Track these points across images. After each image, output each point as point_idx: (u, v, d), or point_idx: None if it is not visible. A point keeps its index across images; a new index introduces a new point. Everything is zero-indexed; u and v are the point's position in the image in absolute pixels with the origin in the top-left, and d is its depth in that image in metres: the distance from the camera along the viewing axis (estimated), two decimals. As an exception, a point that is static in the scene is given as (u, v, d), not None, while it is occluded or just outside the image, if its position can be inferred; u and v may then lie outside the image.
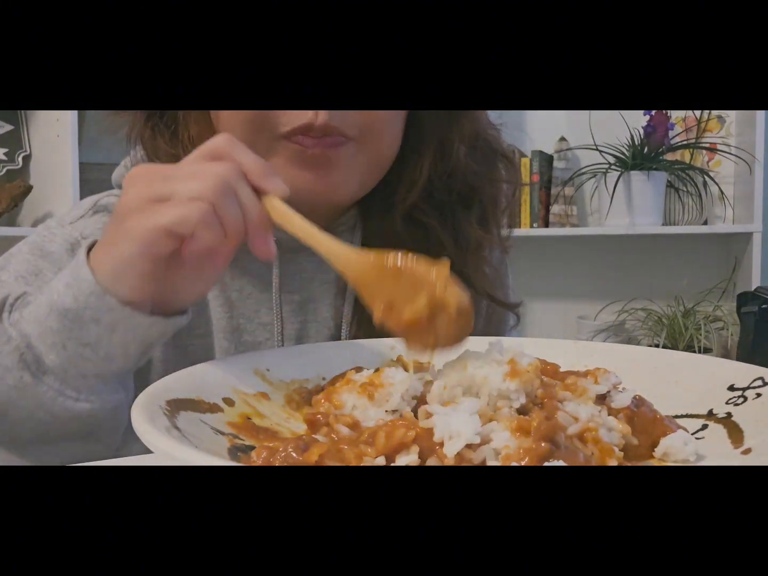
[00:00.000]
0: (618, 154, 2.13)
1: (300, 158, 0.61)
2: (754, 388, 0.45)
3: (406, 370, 0.51)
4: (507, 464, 0.36)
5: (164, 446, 0.34)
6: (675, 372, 0.50)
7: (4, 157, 1.94)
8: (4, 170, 1.93)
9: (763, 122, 2.06)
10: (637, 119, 2.14)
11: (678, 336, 2.10)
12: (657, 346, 2.06)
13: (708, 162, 2.28)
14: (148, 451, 0.35)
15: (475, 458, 0.37)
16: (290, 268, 0.71)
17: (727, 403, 0.45)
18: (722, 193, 2.19)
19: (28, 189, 1.88)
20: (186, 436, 0.38)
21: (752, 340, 1.85)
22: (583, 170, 2.21)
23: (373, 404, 0.44)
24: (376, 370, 0.48)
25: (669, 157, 2.19)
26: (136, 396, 0.42)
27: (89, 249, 0.52)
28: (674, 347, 2.06)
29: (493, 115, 0.77)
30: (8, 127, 1.95)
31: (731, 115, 2.26)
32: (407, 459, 0.38)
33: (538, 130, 2.31)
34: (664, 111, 2.11)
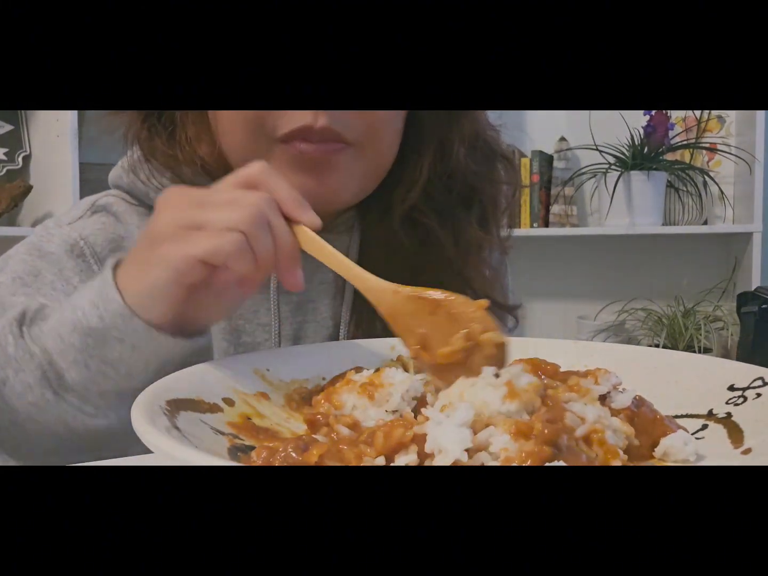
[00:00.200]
0: (618, 154, 2.13)
1: (299, 162, 0.61)
2: (754, 388, 0.45)
3: (406, 370, 0.51)
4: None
5: (164, 446, 0.34)
6: (675, 372, 0.50)
7: (4, 157, 1.94)
8: (4, 170, 1.93)
9: (763, 122, 2.06)
10: (637, 119, 2.14)
11: (678, 336, 2.10)
12: (657, 346, 2.06)
13: (708, 162, 2.28)
14: (148, 451, 0.35)
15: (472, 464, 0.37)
16: None
17: (727, 403, 0.45)
18: (722, 193, 2.19)
19: (28, 189, 1.88)
20: (186, 436, 0.38)
21: (752, 340, 1.85)
22: (583, 170, 2.21)
23: (373, 404, 0.44)
24: (377, 370, 0.48)
25: (669, 157, 2.19)
26: None
27: (115, 266, 0.52)
28: (674, 347, 2.06)
29: (493, 116, 0.77)
30: (8, 127, 1.95)
31: (731, 115, 2.26)
32: (406, 459, 0.38)
33: (538, 130, 2.31)
34: (664, 111, 2.11)
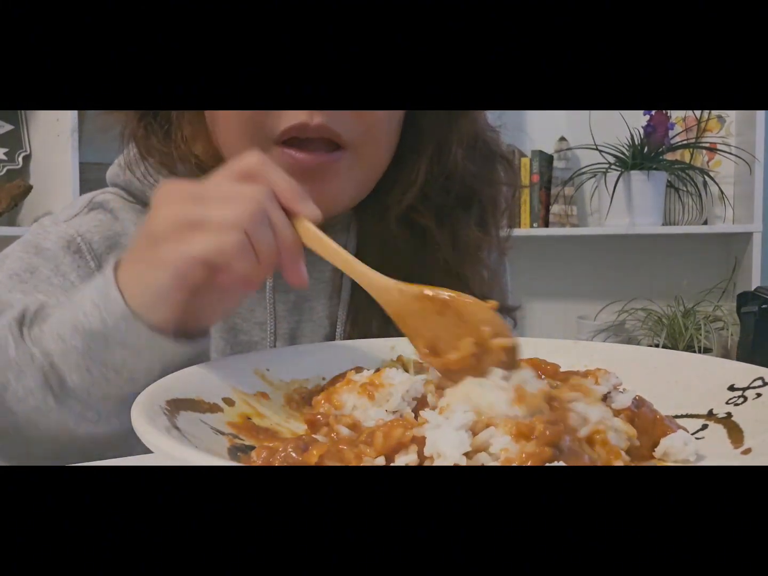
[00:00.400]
0: (618, 154, 2.14)
1: (294, 170, 0.60)
2: (754, 388, 0.45)
3: (406, 370, 0.51)
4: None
5: (164, 446, 0.34)
6: (675, 372, 0.50)
7: (4, 157, 1.94)
8: (4, 170, 1.93)
9: (763, 122, 2.06)
10: (637, 119, 2.14)
11: (678, 336, 2.10)
12: (657, 346, 2.06)
13: (708, 162, 2.28)
14: (148, 452, 0.35)
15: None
16: None
17: (727, 403, 0.45)
18: (722, 193, 2.19)
19: (28, 189, 1.89)
20: (186, 436, 0.38)
21: (752, 340, 1.85)
22: (583, 170, 2.22)
23: (374, 404, 0.44)
24: (377, 370, 0.48)
25: (669, 157, 2.19)
26: None
27: (116, 266, 0.51)
28: (674, 347, 2.06)
29: (493, 116, 0.77)
30: (8, 127, 1.95)
31: (731, 115, 2.26)
32: (406, 459, 0.38)
33: (538, 130, 2.31)
34: (664, 111, 2.11)
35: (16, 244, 0.67)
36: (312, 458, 0.38)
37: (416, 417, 0.42)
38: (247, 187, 0.47)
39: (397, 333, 0.52)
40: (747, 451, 0.40)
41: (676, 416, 0.46)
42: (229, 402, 0.46)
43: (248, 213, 0.46)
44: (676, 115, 2.27)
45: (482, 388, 0.42)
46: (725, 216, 2.26)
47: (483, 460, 0.37)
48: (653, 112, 2.11)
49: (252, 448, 0.41)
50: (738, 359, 1.40)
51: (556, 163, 2.34)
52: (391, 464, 0.38)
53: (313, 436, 0.43)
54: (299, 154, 0.60)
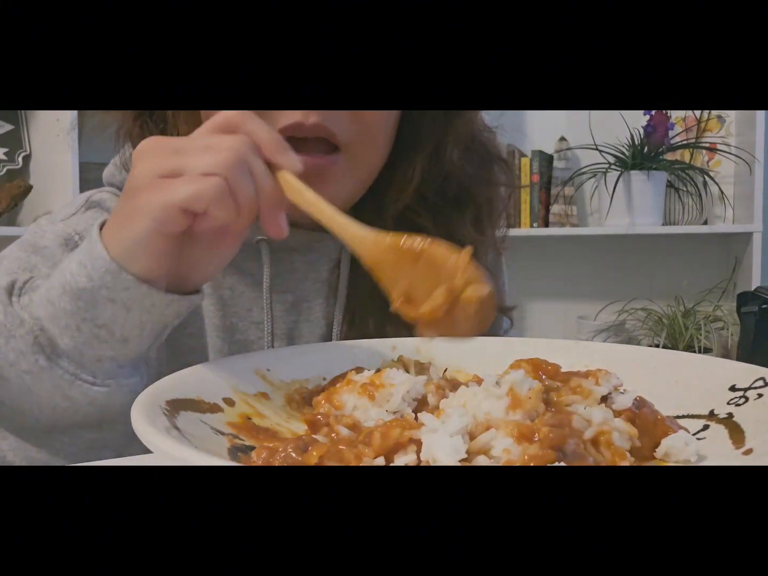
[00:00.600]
0: (618, 154, 2.14)
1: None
2: (755, 388, 0.45)
3: (407, 370, 0.51)
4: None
5: (164, 446, 0.34)
6: (675, 372, 0.50)
7: (4, 157, 1.94)
8: (4, 170, 1.93)
9: (763, 122, 2.06)
10: (637, 119, 2.14)
11: (678, 336, 2.10)
12: (657, 346, 2.06)
13: (708, 162, 2.28)
14: (148, 451, 0.35)
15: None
16: (282, 268, 0.71)
17: (728, 403, 0.45)
18: (722, 193, 2.19)
19: (28, 189, 1.89)
20: (186, 436, 0.38)
21: (752, 340, 1.85)
22: (583, 170, 2.22)
23: (374, 405, 0.44)
24: (377, 370, 0.48)
25: (669, 157, 2.19)
26: (147, 385, 0.41)
27: (101, 226, 0.51)
28: (674, 347, 2.06)
29: (493, 116, 0.77)
30: (8, 127, 1.95)
31: (731, 115, 2.26)
32: (405, 459, 0.38)
33: (538, 130, 2.31)
34: (664, 111, 2.11)
35: (14, 244, 0.67)
36: (312, 459, 0.38)
37: (416, 418, 0.42)
38: (227, 138, 0.47)
39: (395, 332, 0.52)
40: (748, 452, 0.40)
41: (677, 416, 0.46)
42: (230, 402, 0.46)
43: (228, 160, 0.45)
44: (676, 115, 2.27)
45: (476, 397, 0.41)
46: (725, 216, 2.26)
47: (484, 463, 0.36)
48: (653, 112, 2.11)
49: (252, 448, 0.41)
50: (738, 359, 1.40)
51: (556, 163, 2.34)
52: (391, 464, 0.38)
53: (314, 436, 0.43)
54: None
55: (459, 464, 0.36)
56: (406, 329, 0.55)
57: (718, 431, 0.44)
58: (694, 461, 0.41)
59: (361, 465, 0.38)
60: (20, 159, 1.95)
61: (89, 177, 1.78)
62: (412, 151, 0.69)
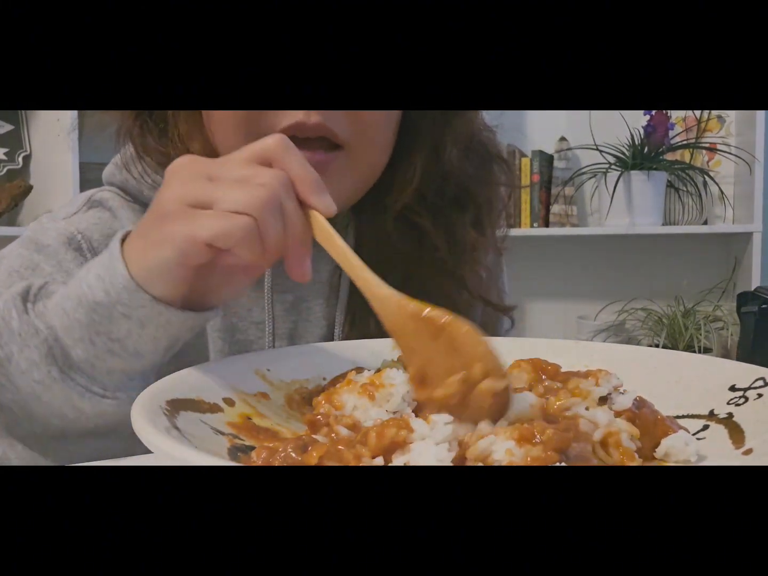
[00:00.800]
0: (618, 154, 2.14)
1: None
2: (755, 388, 0.45)
3: (407, 370, 0.51)
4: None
5: (164, 446, 0.34)
6: (675, 372, 0.50)
7: (4, 157, 1.94)
8: (4, 170, 1.93)
9: (763, 122, 2.06)
10: (637, 119, 2.14)
11: (678, 336, 2.10)
12: (657, 346, 2.06)
13: (708, 162, 2.28)
14: (148, 451, 0.35)
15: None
16: (283, 268, 0.71)
17: (728, 403, 0.45)
18: (722, 193, 2.19)
19: (28, 189, 1.89)
20: (186, 436, 0.38)
21: (752, 340, 1.85)
22: (583, 170, 2.22)
23: (374, 405, 0.44)
24: (377, 370, 0.48)
25: (669, 157, 2.19)
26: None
27: (122, 240, 0.50)
28: (674, 347, 2.06)
29: (493, 115, 0.77)
30: (8, 127, 1.95)
31: (731, 115, 2.26)
32: (404, 458, 0.38)
33: (538, 130, 2.31)
34: (664, 111, 2.11)
35: (15, 243, 0.67)
36: (311, 459, 0.38)
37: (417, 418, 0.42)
38: (263, 171, 0.46)
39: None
40: (748, 452, 0.40)
41: (677, 416, 0.46)
42: (230, 402, 0.46)
43: (261, 199, 0.44)
44: (676, 115, 2.27)
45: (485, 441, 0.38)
46: (725, 216, 2.26)
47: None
48: (653, 112, 2.11)
49: (252, 448, 0.41)
50: (738, 359, 1.40)
51: (557, 163, 2.34)
52: (390, 464, 0.38)
53: (313, 436, 0.43)
54: None
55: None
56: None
57: (718, 431, 0.44)
58: (694, 461, 0.41)
59: (360, 465, 0.38)
60: (20, 159, 1.95)
61: (89, 177, 1.78)
62: (412, 151, 0.68)
